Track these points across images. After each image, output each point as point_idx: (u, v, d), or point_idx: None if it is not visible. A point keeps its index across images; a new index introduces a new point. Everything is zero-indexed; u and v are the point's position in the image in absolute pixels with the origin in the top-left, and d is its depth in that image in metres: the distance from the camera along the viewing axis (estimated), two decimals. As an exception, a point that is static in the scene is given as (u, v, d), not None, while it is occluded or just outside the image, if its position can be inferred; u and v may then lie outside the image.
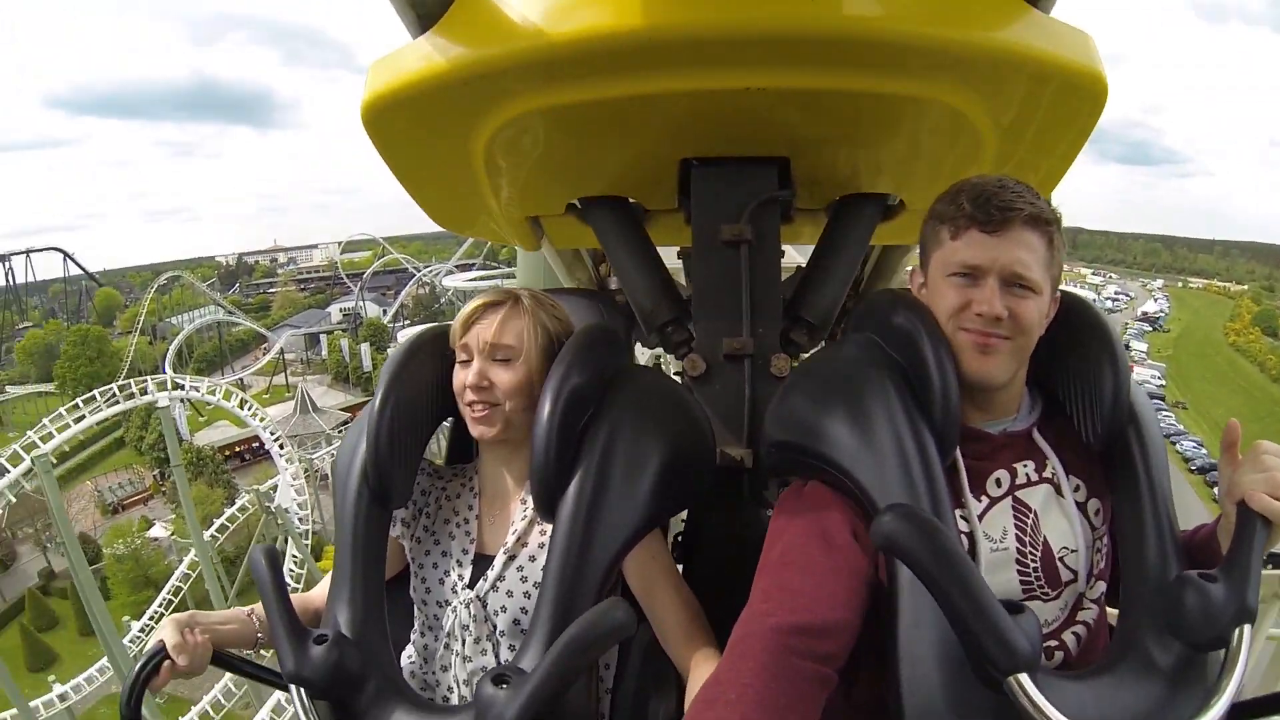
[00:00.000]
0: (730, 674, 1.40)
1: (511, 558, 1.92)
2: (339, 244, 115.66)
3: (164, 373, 65.80)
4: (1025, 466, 1.68)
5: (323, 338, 79.75)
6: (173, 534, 45.26)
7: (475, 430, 1.93)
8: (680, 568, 2.13)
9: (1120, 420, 1.63)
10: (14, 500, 26.20)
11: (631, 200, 2.46)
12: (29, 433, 27.41)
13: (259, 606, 1.84)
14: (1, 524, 39.69)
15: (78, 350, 67.19)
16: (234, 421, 52.20)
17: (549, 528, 1.86)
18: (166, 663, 1.72)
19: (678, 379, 2.33)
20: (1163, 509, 1.57)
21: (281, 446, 34.41)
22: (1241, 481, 1.47)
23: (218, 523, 33.96)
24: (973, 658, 1.28)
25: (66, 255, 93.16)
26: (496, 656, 1.88)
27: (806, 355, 2.40)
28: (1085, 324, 1.70)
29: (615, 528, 1.77)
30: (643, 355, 6.50)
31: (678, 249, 2.87)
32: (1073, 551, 1.65)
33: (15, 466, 24.77)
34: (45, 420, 28.89)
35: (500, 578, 1.90)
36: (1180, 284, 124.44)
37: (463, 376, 1.93)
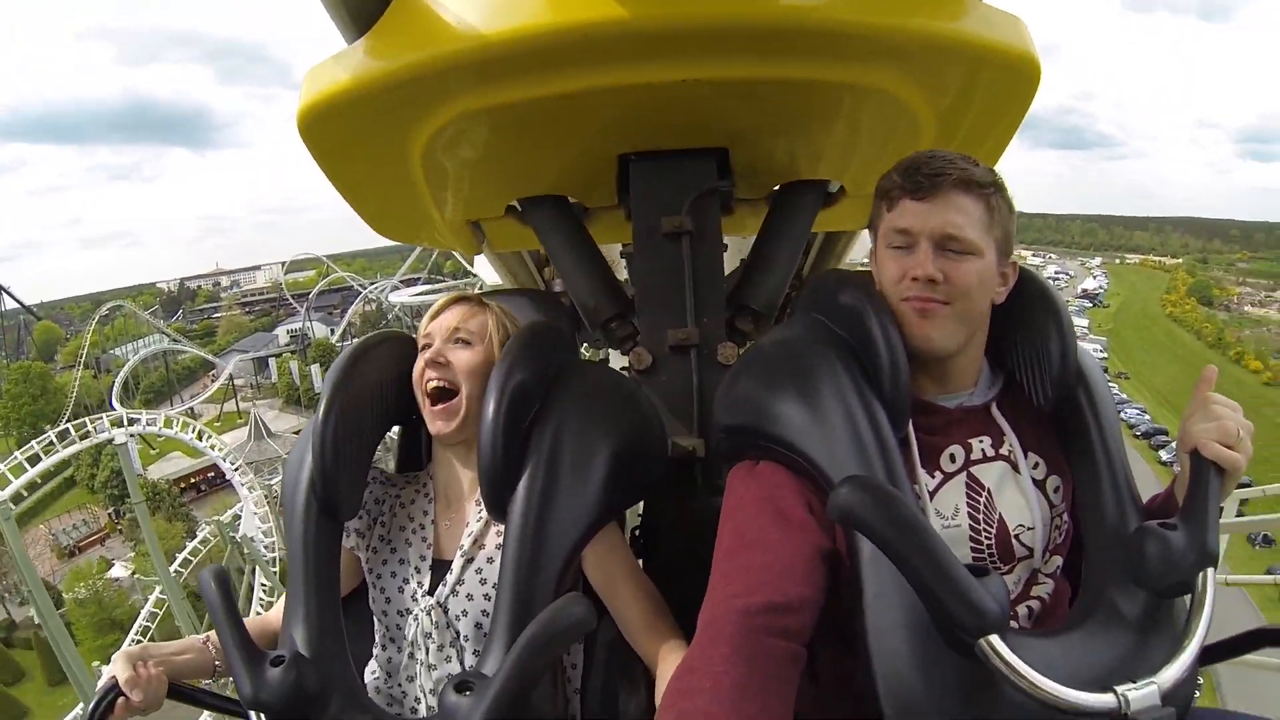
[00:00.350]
0: (701, 661, 1.39)
1: (469, 560, 1.89)
2: (282, 264, 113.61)
3: (112, 407, 64.76)
4: (981, 442, 1.67)
5: (271, 361, 78.80)
6: (134, 573, 44.45)
7: (434, 426, 1.90)
8: (640, 561, 2.13)
9: (1069, 382, 1.64)
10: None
11: (571, 199, 2.46)
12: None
13: (215, 633, 1.79)
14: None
15: (20, 389, 65.61)
16: (187, 452, 51.43)
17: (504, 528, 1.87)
18: (120, 700, 1.65)
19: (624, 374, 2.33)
20: (1118, 464, 1.59)
21: (241, 475, 33.65)
22: (1193, 430, 1.49)
23: (180, 557, 33.04)
24: (941, 623, 1.28)
25: (2, 289, 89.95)
26: (461, 662, 1.85)
27: (753, 343, 2.44)
28: (1030, 292, 1.71)
29: (568, 524, 1.76)
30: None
31: (620, 246, 2.90)
32: (1029, 529, 1.64)
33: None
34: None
35: (459, 581, 1.87)
36: (1118, 261, 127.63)
37: (421, 361, 1.92)
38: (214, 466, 52.84)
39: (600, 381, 2.01)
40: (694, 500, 2.22)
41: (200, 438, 33.39)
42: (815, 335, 1.69)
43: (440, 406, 1.89)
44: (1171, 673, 1.31)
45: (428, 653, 1.85)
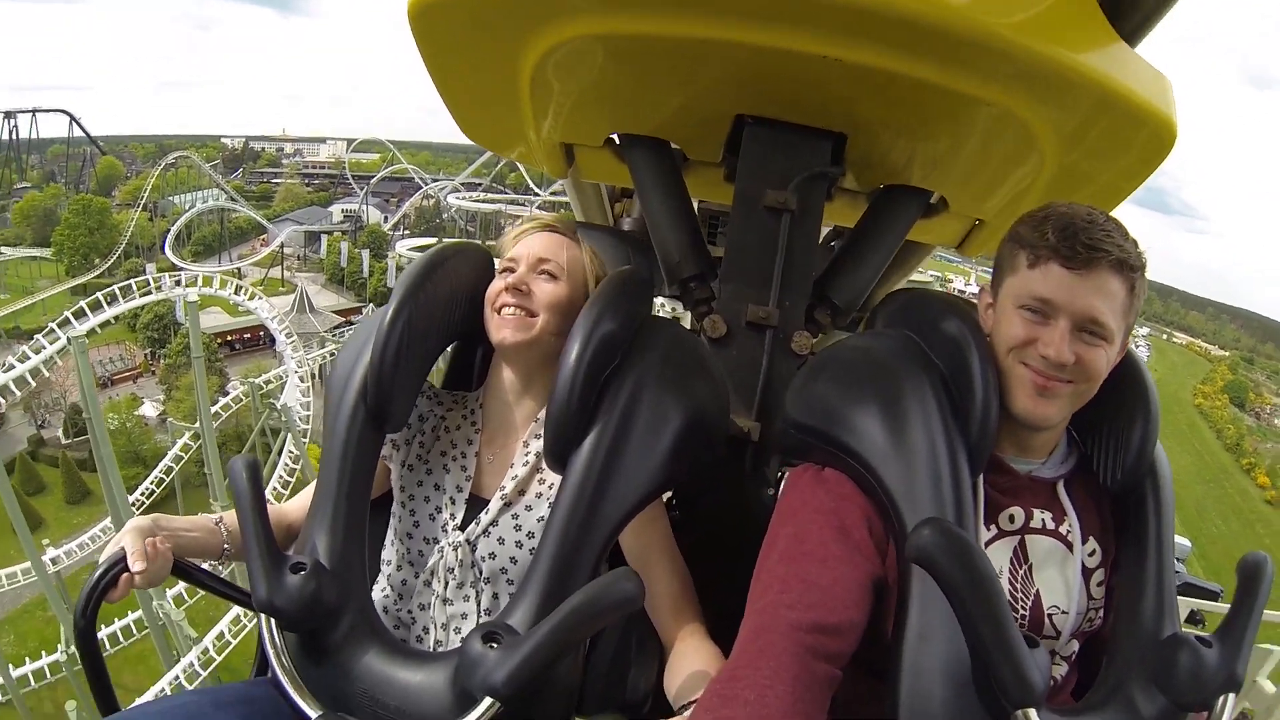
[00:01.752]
0: (747, 670, 1.37)
1: (508, 504, 1.83)
2: (348, 142, 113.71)
3: (163, 253, 66.66)
4: (1042, 514, 1.64)
5: (323, 237, 78.84)
6: (162, 414, 46.22)
7: (498, 334, 1.84)
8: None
9: (1141, 471, 1.61)
10: (47, 375, 27.94)
11: (674, 146, 2.38)
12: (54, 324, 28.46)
13: (228, 516, 1.78)
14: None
15: (78, 219, 67.55)
16: (227, 309, 52.96)
17: (550, 477, 1.82)
18: (125, 574, 1.60)
19: None
20: (1166, 566, 1.56)
21: (289, 337, 34.72)
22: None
23: (213, 410, 34.40)
24: (982, 684, 1.28)
25: (72, 118, 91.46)
26: (478, 604, 1.80)
27: (824, 336, 2.38)
28: (1127, 373, 1.65)
29: (627, 490, 1.69)
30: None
31: (697, 203, 2.79)
32: (1063, 613, 1.62)
33: (51, 343, 26.56)
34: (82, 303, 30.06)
35: (494, 523, 1.82)
36: (1165, 337, 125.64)
37: (500, 284, 1.86)
38: (250, 328, 54.61)
39: (681, 344, 1.92)
40: (739, 484, 2.18)
41: (251, 298, 34.99)
42: (908, 353, 1.66)
43: (513, 316, 1.82)
44: None
45: (445, 587, 1.80)
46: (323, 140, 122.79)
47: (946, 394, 1.57)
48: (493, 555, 1.80)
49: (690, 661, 1.71)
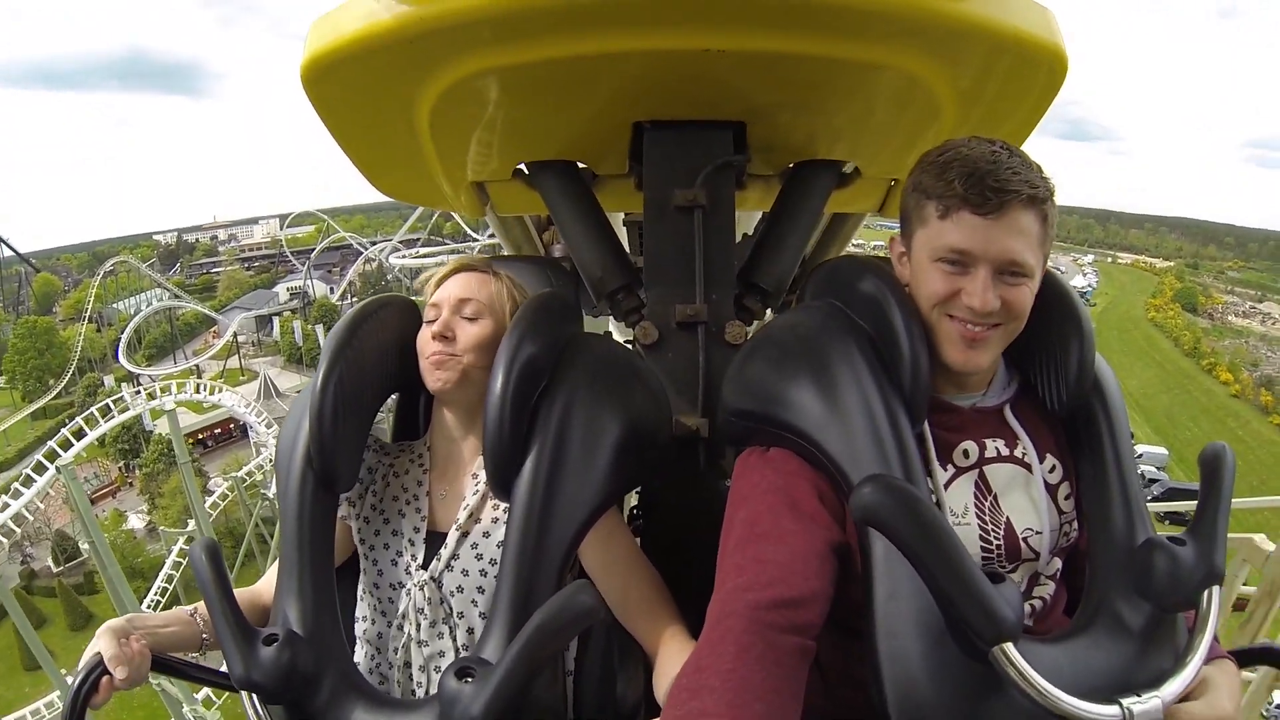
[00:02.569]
0: (710, 658, 1.35)
1: (464, 534, 1.85)
2: (280, 219, 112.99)
3: (118, 363, 66.44)
4: (994, 442, 1.64)
5: (274, 319, 78.89)
6: (149, 524, 46.23)
7: (431, 380, 1.86)
8: (637, 540, 2.07)
9: (1085, 388, 1.62)
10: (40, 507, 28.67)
11: (581, 165, 2.39)
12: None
13: (202, 605, 1.73)
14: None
15: (26, 343, 66.77)
16: (193, 408, 53.15)
17: (502, 504, 1.82)
18: (105, 678, 1.61)
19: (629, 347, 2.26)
20: (1129, 475, 1.57)
21: (268, 426, 35.09)
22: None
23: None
24: (956, 629, 1.27)
25: (1, 240, 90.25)
26: (454, 639, 1.82)
27: (759, 322, 2.38)
28: (1052, 296, 1.65)
29: (574, 507, 1.70)
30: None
31: (624, 216, 2.85)
32: (1037, 533, 1.62)
33: (40, 475, 27.92)
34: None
35: (455, 556, 1.83)
36: (1110, 260, 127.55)
37: (428, 331, 1.88)
38: (219, 423, 54.80)
39: (609, 357, 1.94)
40: (696, 481, 2.18)
41: (212, 393, 35.56)
42: (833, 322, 1.66)
43: (441, 361, 1.84)
44: (1174, 687, 1.34)
45: (419, 628, 1.82)
46: (255, 221, 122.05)
47: (875, 353, 1.58)
48: (460, 589, 1.81)
49: (674, 664, 1.66)
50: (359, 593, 1.96)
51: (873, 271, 1.67)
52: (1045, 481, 1.65)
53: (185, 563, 32.31)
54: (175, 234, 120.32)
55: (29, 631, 17.03)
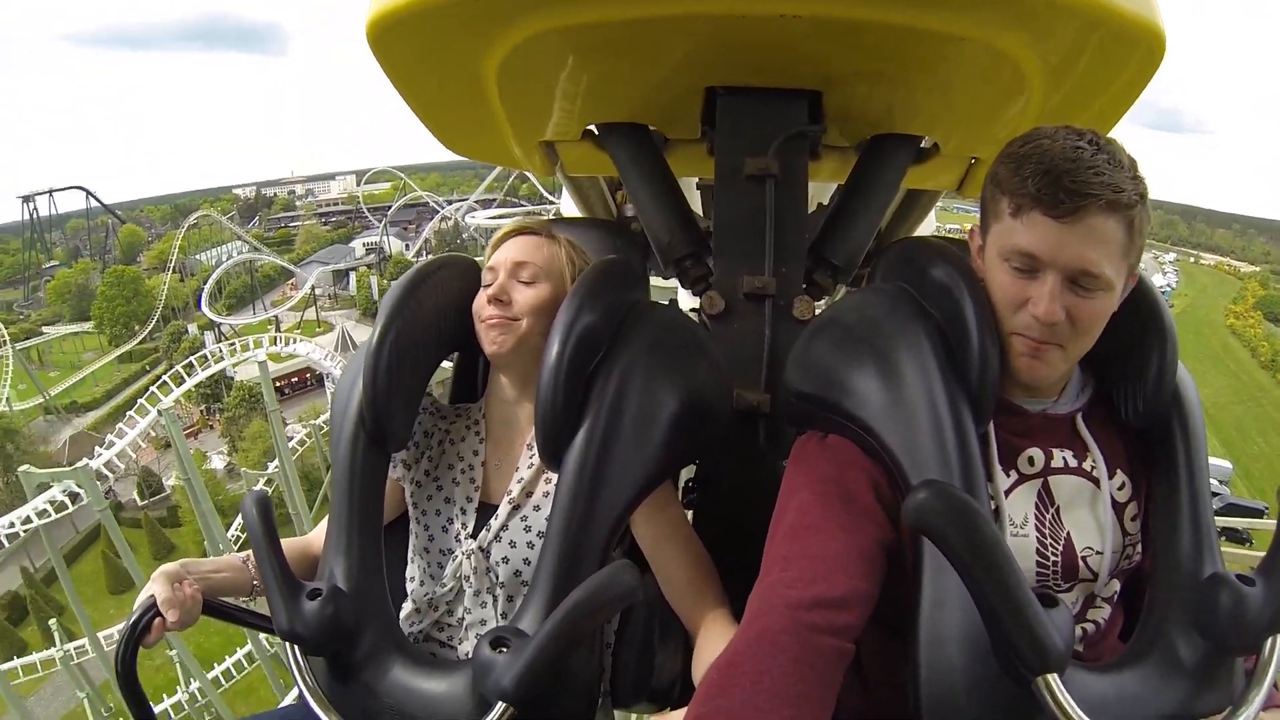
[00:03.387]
0: (743, 656, 1.33)
1: (516, 508, 1.86)
2: (357, 175, 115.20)
3: (200, 311, 69.02)
4: (1063, 453, 1.56)
5: (350, 273, 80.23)
6: (228, 465, 48.23)
7: (488, 346, 1.86)
8: (690, 515, 2.06)
9: (1163, 400, 1.55)
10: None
11: (652, 128, 2.35)
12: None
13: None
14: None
15: (114, 291, 70.13)
16: (272, 358, 55.12)
17: (555, 476, 1.78)
18: (158, 620, 1.64)
19: (694, 315, 2.22)
20: (1201, 501, 1.49)
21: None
22: None
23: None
24: (1001, 651, 1.22)
25: (88, 192, 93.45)
26: (496, 609, 1.83)
27: (829, 299, 2.32)
28: (1140, 303, 1.57)
29: (624, 482, 1.69)
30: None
31: (697, 180, 2.79)
32: (1097, 553, 1.55)
33: (143, 418, 31.18)
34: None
35: (504, 528, 1.84)
36: (1193, 260, 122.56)
37: (483, 295, 1.88)
38: (295, 372, 56.66)
39: (671, 327, 1.91)
40: (755, 459, 2.13)
41: (290, 343, 36.97)
42: (902, 307, 1.61)
43: (495, 320, 1.84)
44: None
45: (464, 595, 1.85)
46: (332, 177, 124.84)
47: (943, 344, 1.51)
48: (506, 560, 1.82)
49: (714, 647, 1.64)
50: (409, 553, 1.98)
51: (947, 257, 1.60)
52: (1113, 499, 1.57)
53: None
54: (254, 188, 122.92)
55: (127, 553, 18.10)
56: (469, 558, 1.83)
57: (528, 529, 1.84)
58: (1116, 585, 1.62)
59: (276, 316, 68.84)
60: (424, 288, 1.87)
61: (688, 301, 2.87)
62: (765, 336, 2.12)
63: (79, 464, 17.32)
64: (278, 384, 58.53)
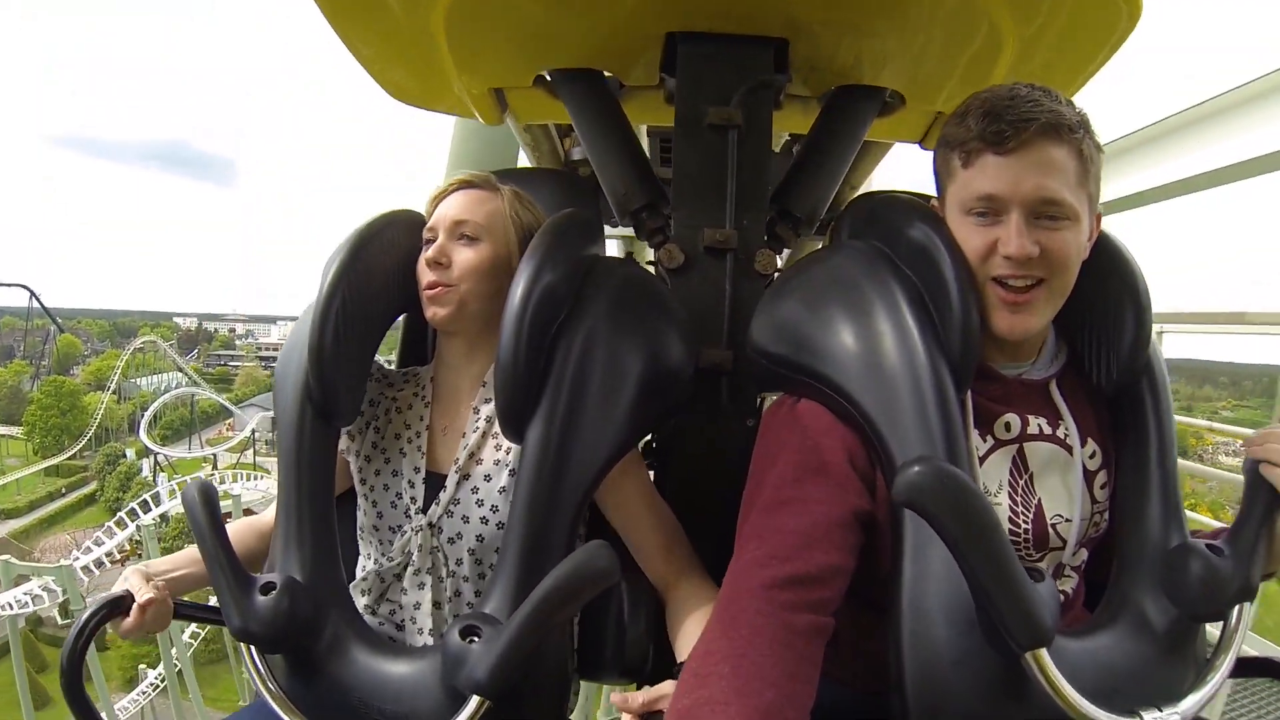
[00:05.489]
0: (721, 641, 1.30)
1: (465, 477, 1.72)
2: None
3: (137, 437, 70.92)
4: (1037, 419, 1.52)
5: None
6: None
7: (428, 311, 1.74)
8: (651, 476, 2.00)
9: (1137, 365, 1.51)
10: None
11: (607, 74, 2.24)
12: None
13: None
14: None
15: (50, 401, 69.82)
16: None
17: (505, 442, 1.71)
18: (132, 617, 1.59)
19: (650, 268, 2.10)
20: (1170, 471, 1.48)
21: None
22: (1256, 448, 1.39)
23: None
24: (989, 626, 1.21)
25: (32, 293, 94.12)
26: (452, 587, 1.72)
27: (790, 251, 2.29)
28: (1107, 257, 1.54)
29: (591, 452, 1.59)
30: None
31: (646, 127, 2.74)
32: (1066, 520, 1.52)
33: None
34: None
35: (454, 500, 1.71)
36: None
37: (422, 259, 1.77)
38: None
39: (633, 285, 1.79)
40: (718, 418, 2.02)
41: (235, 481, 40.44)
42: (878, 267, 1.55)
43: (433, 291, 1.73)
44: (1192, 702, 1.31)
45: (417, 573, 1.72)
46: (274, 320, 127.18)
47: (922, 307, 1.46)
48: (459, 535, 1.70)
49: (689, 608, 1.66)
50: (357, 532, 1.84)
51: (923, 215, 1.52)
52: (1084, 467, 1.53)
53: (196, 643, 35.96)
54: (196, 320, 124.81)
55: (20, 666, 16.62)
56: (418, 533, 1.71)
57: (480, 502, 1.70)
58: (1084, 555, 1.59)
59: (215, 455, 69.38)
60: (369, 249, 1.72)
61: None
62: (727, 291, 2.02)
63: (62, 563, 17.62)
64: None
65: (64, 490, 65.25)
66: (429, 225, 1.81)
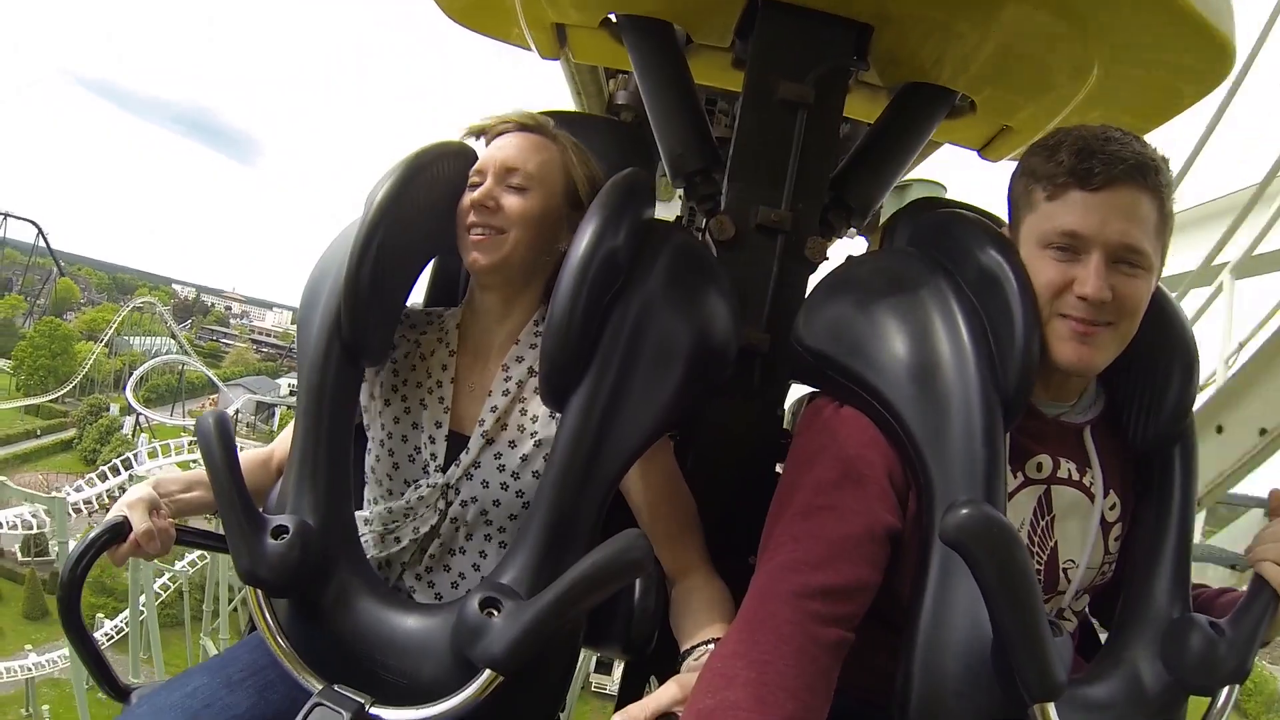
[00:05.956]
0: (749, 646, 1.30)
1: (489, 442, 1.66)
2: (293, 312, 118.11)
3: (122, 394, 70.94)
4: (1068, 463, 1.52)
5: (276, 409, 78.64)
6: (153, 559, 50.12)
7: (469, 256, 1.66)
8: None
9: (1174, 432, 1.51)
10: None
11: (677, 27, 2.16)
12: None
13: None
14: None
15: (43, 341, 70.03)
16: (182, 466, 57.23)
17: (534, 409, 1.66)
18: (128, 543, 1.58)
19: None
20: (1186, 538, 1.49)
21: None
22: (1258, 550, 1.40)
23: (189, 558, 34.87)
24: (1002, 670, 1.22)
25: (40, 230, 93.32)
26: (465, 549, 1.68)
27: (838, 239, 2.22)
28: (1162, 318, 1.51)
29: (634, 426, 1.52)
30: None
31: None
32: (1076, 567, 1.54)
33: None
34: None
35: (475, 464, 1.66)
36: None
37: (467, 199, 1.68)
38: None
39: (689, 255, 1.72)
40: (748, 400, 1.98)
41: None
42: (941, 285, 1.51)
43: (481, 236, 1.64)
44: None
45: (430, 532, 1.68)
46: (270, 306, 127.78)
47: (982, 334, 1.43)
48: (474, 499, 1.65)
49: (695, 599, 1.64)
50: (366, 475, 1.77)
51: (995, 241, 1.48)
52: (1103, 517, 1.54)
53: (164, 596, 34.20)
54: (195, 290, 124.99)
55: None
56: (432, 490, 1.66)
57: (501, 468, 1.65)
58: (1086, 600, 1.61)
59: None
60: (418, 181, 1.63)
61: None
62: (773, 272, 1.97)
63: (54, 494, 18.05)
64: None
65: (39, 432, 65.54)
66: (478, 166, 1.72)
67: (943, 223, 1.66)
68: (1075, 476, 1.53)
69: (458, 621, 1.37)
